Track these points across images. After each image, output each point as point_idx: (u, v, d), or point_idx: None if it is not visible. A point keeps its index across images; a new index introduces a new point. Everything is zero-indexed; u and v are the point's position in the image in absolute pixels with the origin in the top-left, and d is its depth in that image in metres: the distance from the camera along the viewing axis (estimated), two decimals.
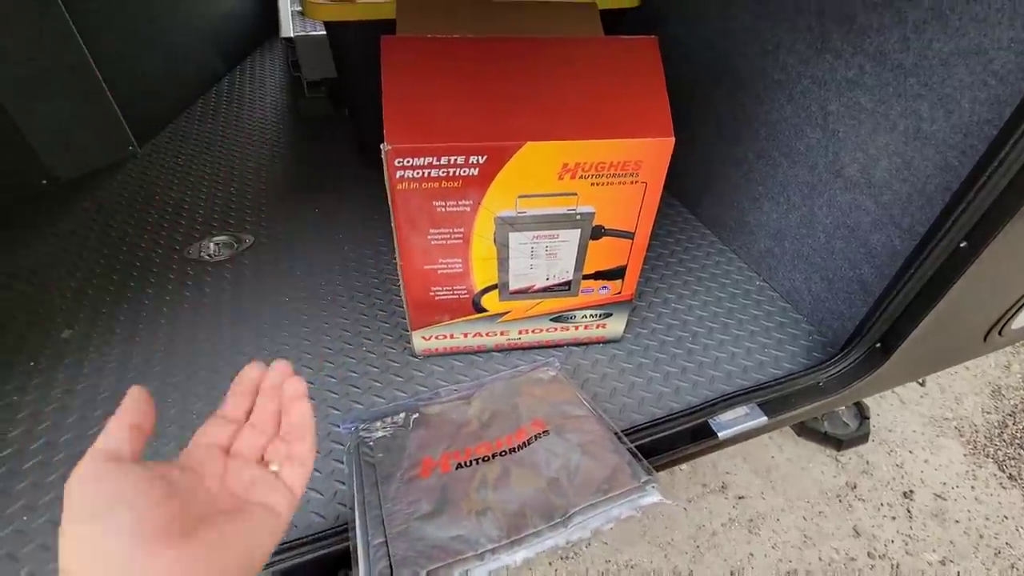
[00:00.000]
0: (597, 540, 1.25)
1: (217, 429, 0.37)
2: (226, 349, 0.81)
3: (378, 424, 0.65)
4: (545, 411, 0.65)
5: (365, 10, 0.93)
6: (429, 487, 0.57)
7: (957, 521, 1.31)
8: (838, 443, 1.46)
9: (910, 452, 1.46)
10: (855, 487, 1.38)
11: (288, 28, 1.47)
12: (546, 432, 0.62)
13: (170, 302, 0.89)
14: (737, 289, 0.93)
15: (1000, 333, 0.77)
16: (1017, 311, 0.73)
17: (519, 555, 0.50)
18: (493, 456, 0.60)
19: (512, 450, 0.60)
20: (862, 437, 1.47)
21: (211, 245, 1.00)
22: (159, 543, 0.27)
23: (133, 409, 0.31)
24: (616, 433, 0.63)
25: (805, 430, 1.48)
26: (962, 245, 0.57)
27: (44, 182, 1.12)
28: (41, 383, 0.75)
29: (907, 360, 0.71)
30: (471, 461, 0.59)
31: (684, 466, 1.41)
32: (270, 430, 0.38)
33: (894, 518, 1.34)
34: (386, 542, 0.51)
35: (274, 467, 0.36)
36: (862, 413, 1.49)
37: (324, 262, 0.97)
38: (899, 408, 1.59)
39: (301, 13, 1.52)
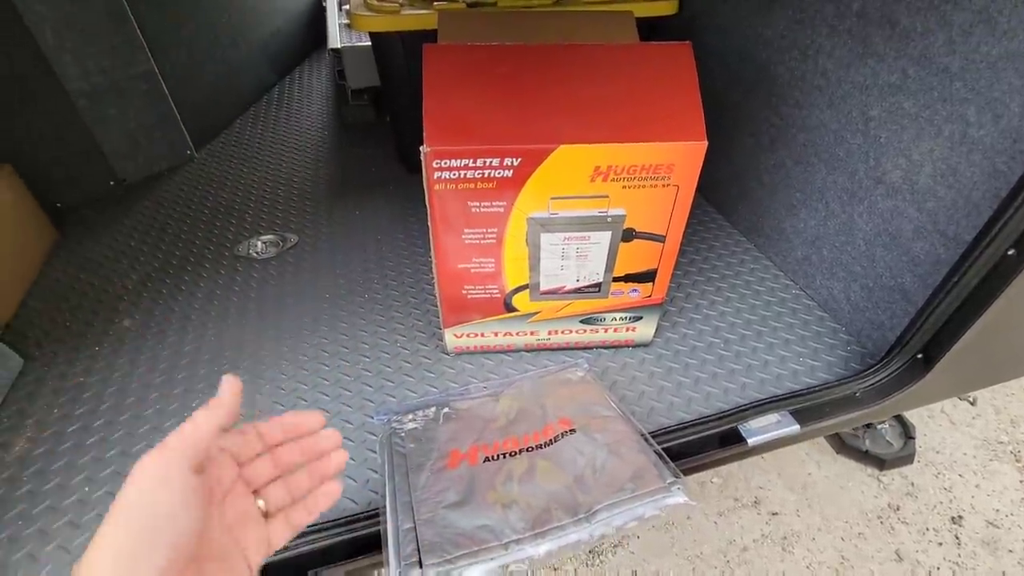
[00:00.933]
0: (624, 548, 1.24)
1: (243, 442, 0.36)
2: (269, 341, 0.85)
3: (409, 417, 0.67)
4: (572, 410, 0.66)
5: (408, 21, 0.97)
6: (457, 478, 0.58)
7: (1011, 551, 1.23)
8: (880, 463, 1.40)
9: (960, 476, 1.39)
10: (898, 509, 1.32)
11: (335, 40, 1.54)
12: (573, 431, 0.63)
13: (220, 296, 0.94)
14: (772, 297, 0.92)
15: None
16: None
17: (543, 548, 0.51)
18: (520, 451, 0.61)
19: (539, 446, 0.61)
20: (906, 457, 1.41)
21: (259, 243, 1.06)
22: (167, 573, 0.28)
23: (225, 409, 0.33)
24: (643, 435, 0.63)
25: (845, 447, 1.42)
26: (1010, 253, 0.55)
27: (111, 183, 1.21)
28: (103, 367, 0.81)
29: (952, 373, 0.68)
30: (498, 455, 0.61)
31: (715, 479, 1.38)
32: (282, 472, 0.37)
33: (941, 544, 1.27)
34: (415, 528, 0.53)
35: (260, 503, 0.36)
36: (907, 432, 1.43)
37: (363, 261, 1.01)
38: (948, 429, 1.52)
39: (348, 26, 1.60)
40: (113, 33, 1.10)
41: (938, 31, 0.64)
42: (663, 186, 0.63)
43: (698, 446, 0.65)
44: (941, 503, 1.33)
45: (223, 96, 1.49)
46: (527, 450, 0.61)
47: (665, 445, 0.64)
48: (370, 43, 1.27)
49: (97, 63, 1.10)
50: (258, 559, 0.35)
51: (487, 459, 0.61)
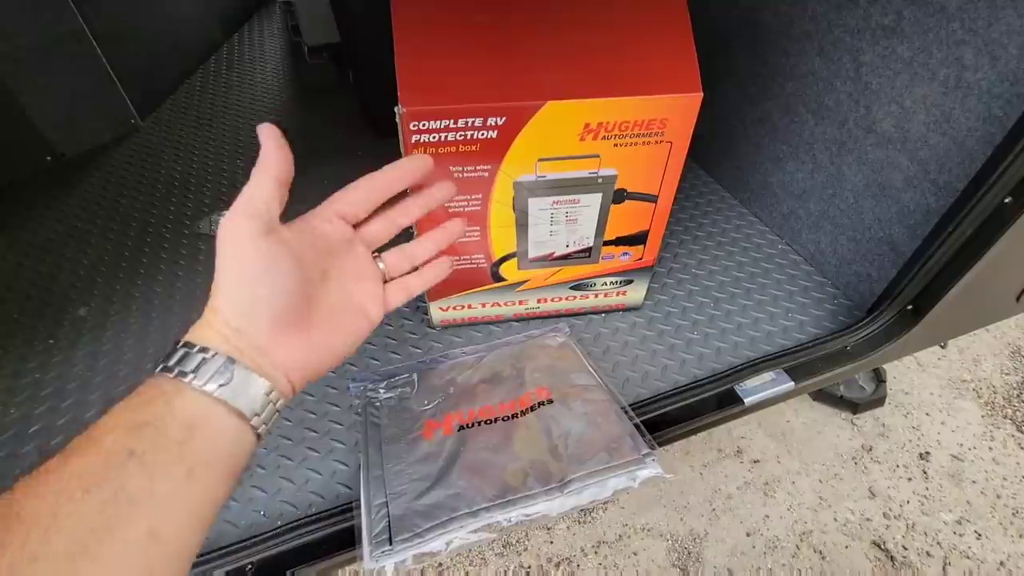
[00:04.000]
0: (615, 504, 1.27)
1: (357, 199, 0.38)
2: None
3: (383, 385, 0.65)
4: (551, 379, 0.64)
5: None
6: (430, 449, 0.57)
7: (974, 482, 1.31)
8: (854, 407, 1.46)
9: (927, 414, 1.46)
10: (871, 450, 1.39)
11: None
12: (550, 400, 0.61)
13: (183, 277, 0.88)
14: (759, 254, 0.91)
15: None
16: None
17: (512, 514, 0.50)
18: (496, 420, 0.60)
19: (515, 415, 0.60)
20: (878, 400, 1.47)
21: (220, 219, 0.98)
22: (290, 329, 0.32)
23: (275, 160, 0.33)
24: (622, 405, 0.62)
25: (821, 394, 1.47)
26: (1006, 200, 0.55)
27: (49, 159, 1.10)
28: (61, 360, 0.75)
29: (938, 323, 0.69)
30: (473, 423, 0.59)
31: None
32: (398, 232, 0.41)
33: (910, 479, 1.34)
34: (386, 503, 0.52)
35: (381, 265, 0.40)
36: (879, 377, 1.49)
37: None
38: (916, 371, 1.58)
39: None
40: None
41: None
42: (656, 143, 0.60)
43: (695, 409, 0.64)
44: (910, 441, 1.40)
45: (166, 57, 1.35)
46: (503, 419, 0.60)
47: (663, 410, 0.63)
48: None
49: (17, 22, 0.97)
50: (377, 313, 0.39)
51: (461, 427, 0.59)
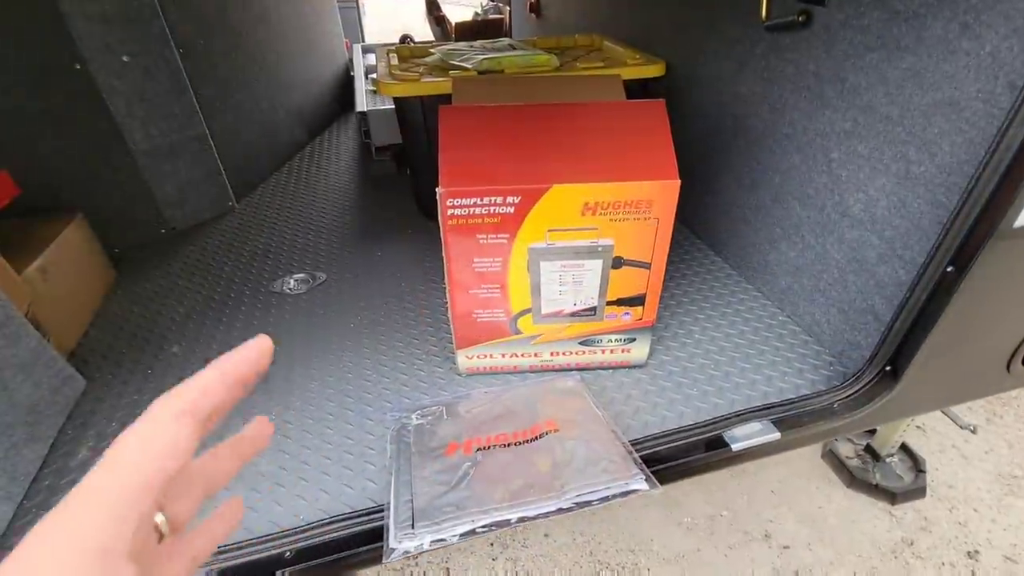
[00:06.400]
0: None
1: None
2: (299, 366, 0.95)
3: (416, 414, 0.77)
4: (560, 414, 0.73)
5: (428, 87, 1.12)
6: (452, 463, 0.67)
7: None
8: (891, 496, 1.41)
9: (975, 510, 1.38)
10: (912, 543, 1.32)
11: (362, 104, 1.73)
12: (557, 430, 0.70)
13: (256, 326, 1.05)
14: (760, 323, 0.99)
15: None
16: None
17: (515, 514, 0.59)
18: (509, 444, 0.69)
19: (526, 441, 0.69)
20: (918, 491, 1.42)
21: (291, 281, 1.17)
22: None
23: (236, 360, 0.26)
24: (620, 439, 0.71)
25: (855, 481, 1.44)
26: (948, 269, 0.63)
27: (163, 231, 1.35)
28: (154, 386, 0.91)
29: (921, 385, 0.74)
30: (490, 447, 0.69)
31: (724, 512, 1.40)
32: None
33: None
34: (412, 500, 0.61)
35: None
36: (917, 466, 1.44)
37: (383, 296, 1.12)
38: (961, 463, 1.52)
39: (374, 92, 1.79)
40: (174, 103, 1.28)
41: (878, 85, 0.75)
42: (644, 219, 0.73)
43: (685, 450, 0.71)
44: (956, 537, 1.32)
45: (262, 154, 1.66)
46: (515, 444, 0.69)
47: (655, 449, 0.70)
48: (393, 106, 1.43)
49: (159, 127, 1.27)
50: None
51: (479, 449, 0.69)
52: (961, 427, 1.46)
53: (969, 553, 1.28)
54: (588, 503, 0.60)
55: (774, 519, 1.38)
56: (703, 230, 1.24)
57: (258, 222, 1.42)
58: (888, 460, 1.44)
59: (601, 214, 0.72)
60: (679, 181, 0.70)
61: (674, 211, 0.73)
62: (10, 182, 1.02)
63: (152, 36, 1.21)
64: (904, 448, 1.45)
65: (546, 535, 1.33)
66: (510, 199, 0.70)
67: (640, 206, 0.72)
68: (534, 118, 0.75)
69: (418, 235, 1.35)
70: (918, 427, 1.58)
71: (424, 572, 1.25)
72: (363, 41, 2.77)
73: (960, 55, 0.64)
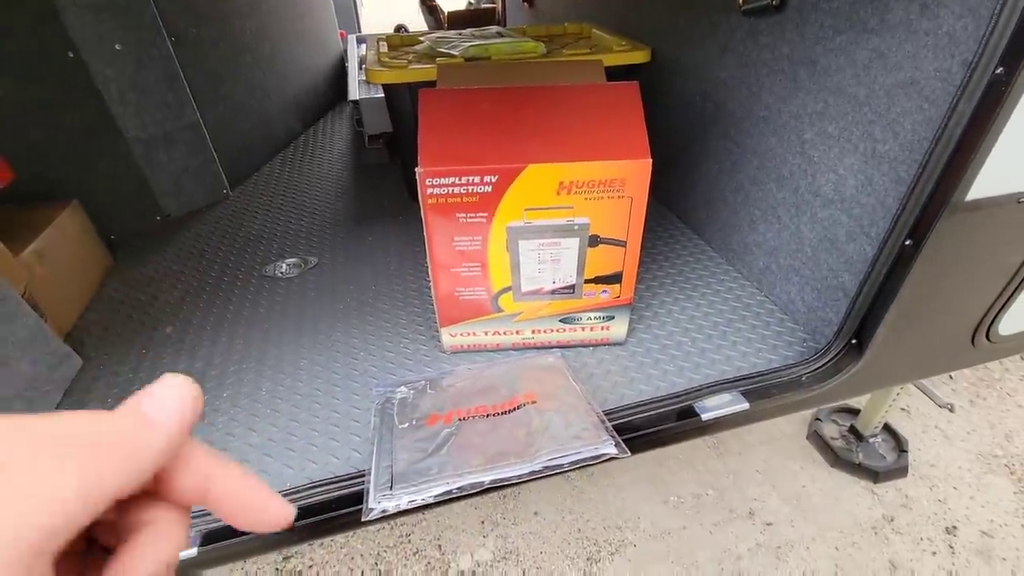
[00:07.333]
0: (621, 556, 1.28)
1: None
2: (290, 345, 0.98)
3: (401, 389, 0.79)
4: (539, 388, 0.76)
5: (415, 74, 1.14)
6: (432, 432, 0.70)
7: (1004, 559, 1.25)
8: (874, 475, 1.44)
9: (954, 488, 1.42)
10: (892, 520, 1.35)
11: (355, 92, 1.75)
12: (534, 402, 0.73)
13: (248, 308, 1.08)
14: (739, 303, 1.02)
15: (989, 338, 0.81)
16: (998, 314, 0.78)
17: (489, 476, 0.62)
18: (488, 415, 0.72)
19: (504, 412, 0.72)
20: (900, 470, 1.45)
21: (283, 265, 1.20)
22: None
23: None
24: (595, 410, 0.73)
25: (839, 461, 1.47)
26: (907, 243, 0.66)
27: (158, 218, 1.38)
28: (149, 365, 0.94)
29: (886, 358, 0.76)
30: (469, 417, 0.72)
31: (710, 491, 1.43)
32: None
33: (935, 553, 1.29)
34: (392, 465, 0.64)
35: None
36: (900, 446, 1.47)
37: (373, 278, 1.14)
38: (943, 443, 1.55)
39: (366, 81, 1.80)
40: (167, 91, 1.30)
41: (847, 67, 0.77)
42: (618, 197, 0.75)
43: (657, 420, 0.73)
44: (935, 514, 1.35)
45: (256, 143, 1.69)
46: (495, 414, 0.72)
47: (629, 419, 0.73)
48: (383, 95, 1.45)
49: (152, 116, 1.29)
50: None
51: (459, 420, 0.71)
52: (940, 406, 1.49)
53: (947, 529, 1.32)
54: (559, 467, 0.63)
55: (758, 497, 1.41)
56: (687, 214, 1.27)
57: (252, 209, 1.45)
58: (871, 440, 1.48)
59: (576, 193, 0.75)
60: (651, 160, 0.72)
61: (647, 189, 0.75)
62: (6, 166, 1.05)
63: (144, 24, 1.23)
64: (887, 428, 1.49)
65: (536, 513, 1.36)
66: (487, 178, 0.73)
67: (614, 184, 0.74)
68: (512, 100, 0.78)
69: (408, 220, 1.38)
70: (902, 409, 1.61)
71: (417, 549, 1.28)
72: (359, 32, 2.78)
73: (920, 35, 0.66)
